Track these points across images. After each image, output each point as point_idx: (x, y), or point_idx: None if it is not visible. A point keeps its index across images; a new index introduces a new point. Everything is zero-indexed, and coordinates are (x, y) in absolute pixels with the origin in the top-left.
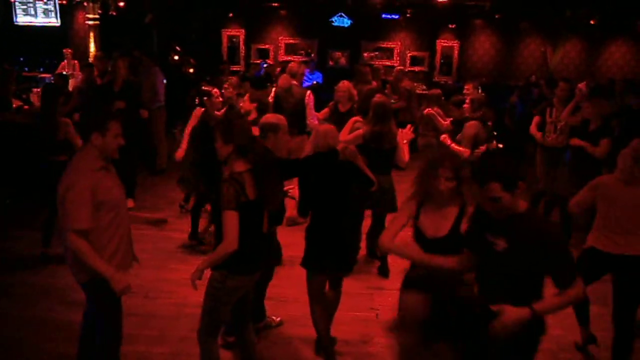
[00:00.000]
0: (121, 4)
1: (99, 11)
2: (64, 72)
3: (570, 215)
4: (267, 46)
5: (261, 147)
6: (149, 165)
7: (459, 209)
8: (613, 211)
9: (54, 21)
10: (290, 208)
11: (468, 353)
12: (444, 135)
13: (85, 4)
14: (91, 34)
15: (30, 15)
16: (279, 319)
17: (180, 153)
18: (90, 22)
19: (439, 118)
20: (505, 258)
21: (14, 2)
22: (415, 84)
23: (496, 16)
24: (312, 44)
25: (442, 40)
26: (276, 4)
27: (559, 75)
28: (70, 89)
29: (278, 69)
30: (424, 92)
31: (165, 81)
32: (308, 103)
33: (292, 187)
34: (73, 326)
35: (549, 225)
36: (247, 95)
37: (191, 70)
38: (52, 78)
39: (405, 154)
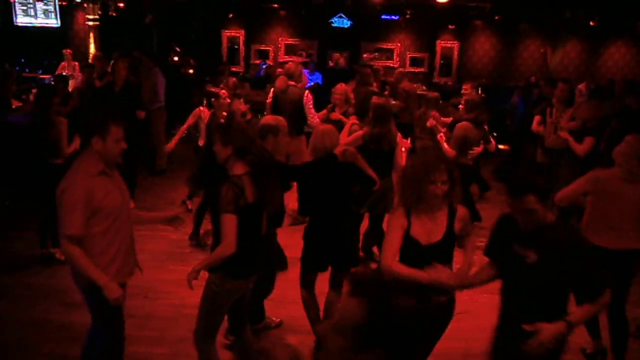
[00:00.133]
0: (121, 4)
1: (99, 12)
2: (64, 73)
3: (569, 217)
4: (266, 47)
5: (260, 149)
6: (148, 165)
7: (447, 210)
8: (610, 207)
9: (53, 22)
10: (293, 200)
11: None
12: (440, 135)
13: (85, 4)
14: (91, 35)
15: (30, 15)
16: (278, 319)
17: (170, 145)
18: (90, 23)
19: (439, 127)
20: (535, 270)
21: (14, 2)
22: (415, 85)
23: (496, 17)
24: (312, 45)
25: (442, 41)
26: (276, 5)
27: (558, 76)
28: (70, 89)
29: (279, 70)
30: (423, 92)
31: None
32: (306, 103)
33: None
34: (73, 327)
35: (578, 235)
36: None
37: (191, 71)
38: (52, 79)
39: (402, 159)
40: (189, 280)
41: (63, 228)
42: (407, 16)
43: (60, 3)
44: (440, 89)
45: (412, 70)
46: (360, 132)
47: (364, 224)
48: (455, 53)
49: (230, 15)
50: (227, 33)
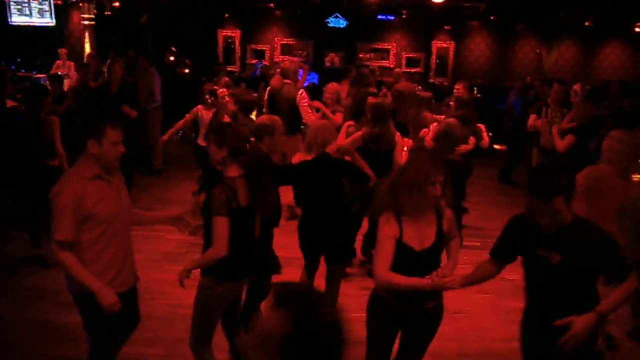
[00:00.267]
0: (116, 4)
1: (94, 11)
2: (59, 72)
3: None
4: (262, 47)
5: (256, 150)
6: (144, 165)
7: (435, 212)
8: (603, 202)
9: (49, 21)
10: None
11: None
12: (424, 130)
13: (80, 4)
14: (86, 34)
15: (25, 15)
16: None
17: (164, 137)
18: (86, 22)
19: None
20: (561, 271)
21: (9, 1)
22: (414, 85)
23: (491, 18)
24: (308, 45)
25: (438, 42)
26: (272, 5)
27: (554, 77)
28: (65, 89)
29: (278, 70)
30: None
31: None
32: (300, 102)
33: None
34: (68, 328)
35: (598, 228)
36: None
37: (187, 71)
38: (46, 78)
39: (403, 158)
40: (181, 279)
41: (54, 233)
42: (403, 16)
43: (55, 2)
44: (436, 89)
45: (408, 70)
46: (359, 133)
47: (364, 227)
48: (451, 53)
49: (226, 15)
50: (223, 33)
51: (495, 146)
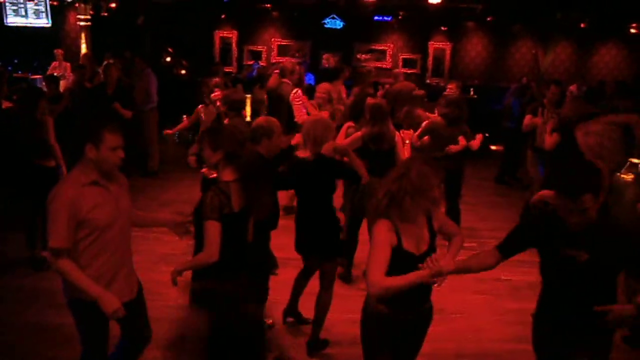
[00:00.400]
0: (113, 5)
1: (91, 12)
2: (55, 73)
3: None
4: (259, 48)
5: (253, 153)
6: (141, 167)
7: (424, 212)
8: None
9: (44, 22)
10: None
11: None
12: (407, 132)
13: (76, 4)
14: (82, 35)
15: (21, 15)
16: (270, 321)
17: (169, 130)
18: (82, 23)
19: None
20: (588, 269)
21: (4, 2)
22: (413, 85)
23: (488, 19)
24: (305, 46)
25: (434, 43)
26: (269, 6)
27: (550, 78)
28: (61, 90)
29: (276, 70)
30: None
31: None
32: (293, 100)
33: None
34: (63, 329)
35: (623, 224)
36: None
37: (183, 72)
38: (42, 79)
39: (406, 155)
40: (173, 278)
41: (48, 240)
42: (400, 17)
43: (51, 3)
44: (432, 90)
45: (405, 71)
46: (358, 134)
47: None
48: (448, 54)
49: (223, 16)
50: (219, 34)
51: (492, 147)
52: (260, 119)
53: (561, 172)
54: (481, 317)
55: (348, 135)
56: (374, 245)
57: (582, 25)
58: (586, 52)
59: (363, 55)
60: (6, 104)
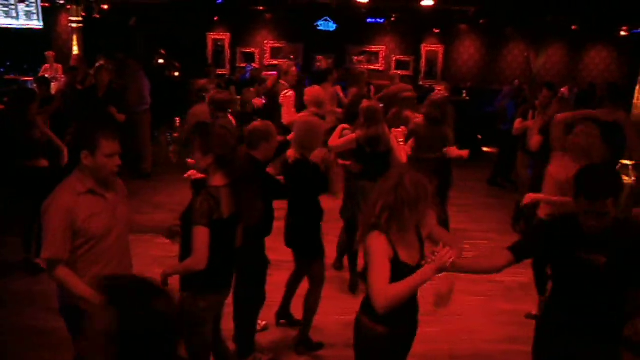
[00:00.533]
0: (105, 6)
1: (83, 14)
2: (47, 75)
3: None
4: (252, 50)
5: (244, 158)
6: (133, 169)
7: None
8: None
9: (36, 23)
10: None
11: None
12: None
13: (68, 6)
14: (74, 37)
15: (12, 17)
16: (264, 322)
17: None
18: (74, 25)
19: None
20: (606, 273)
21: None
22: (409, 87)
23: (480, 21)
24: (298, 48)
25: (427, 45)
26: (261, 8)
27: (542, 80)
28: (52, 92)
29: (265, 73)
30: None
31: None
32: (283, 101)
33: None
34: (57, 333)
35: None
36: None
37: (176, 74)
38: (33, 81)
39: (402, 155)
40: (162, 280)
41: (43, 250)
42: (393, 19)
43: (43, 5)
44: (424, 92)
45: (397, 73)
46: (353, 136)
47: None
48: (440, 56)
49: (216, 18)
50: (212, 35)
51: (485, 149)
52: (256, 123)
53: (584, 176)
54: (475, 318)
55: (342, 137)
56: (372, 259)
57: (573, 27)
58: (577, 55)
59: (357, 57)
60: None
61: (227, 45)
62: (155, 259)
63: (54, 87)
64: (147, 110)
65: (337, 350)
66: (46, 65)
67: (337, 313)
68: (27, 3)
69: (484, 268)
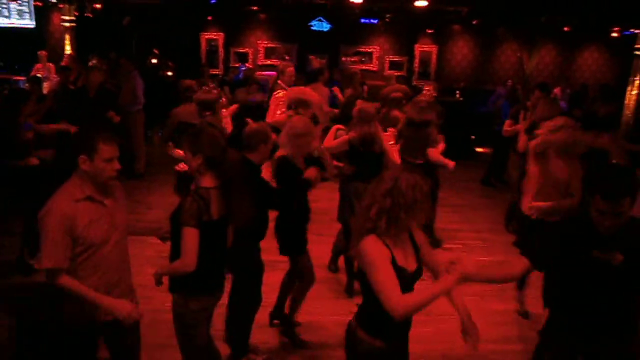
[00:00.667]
0: (98, 5)
1: (75, 13)
2: (39, 75)
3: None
4: (246, 50)
5: (236, 160)
6: (126, 169)
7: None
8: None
9: (28, 22)
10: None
11: None
12: (388, 132)
13: (60, 5)
14: (67, 36)
15: (4, 16)
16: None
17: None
18: (66, 24)
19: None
20: (622, 272)
21: None
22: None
23: (473, 22)
24: (292, 48)
25: (421, 45)
26: (255, 8)
27: (534, 81)
28: (45, 91)
29: (258, 73)
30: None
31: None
32: (271, 103)
33: None
34: None
35: None
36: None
37: (170, 74)
38: (26, 80)
39: (395, 156)
40: (156, 280)
41: (42, 260)
42: (386, 20)
43: (35, 3)
44: (417, 92)
45: (391, 73)
46: (346, 137)
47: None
48: (434, 57)
49: (209, 18)
50: (205, 35)
51: (478, 149)
52: (253, 126)
53: (599, 176)
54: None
55: (337, 137)
56: (375, 267)
57: (565, 28)
58: (570, 55)
59: (350, 58)
60: None
61: (220, 45)
62: (147, 259)
63: (46, 86)
64: (141, 110)
65: (332, 350)
66: (38, 64)
67: (331, 313)
68: (19, 2)
69: (501, 277)
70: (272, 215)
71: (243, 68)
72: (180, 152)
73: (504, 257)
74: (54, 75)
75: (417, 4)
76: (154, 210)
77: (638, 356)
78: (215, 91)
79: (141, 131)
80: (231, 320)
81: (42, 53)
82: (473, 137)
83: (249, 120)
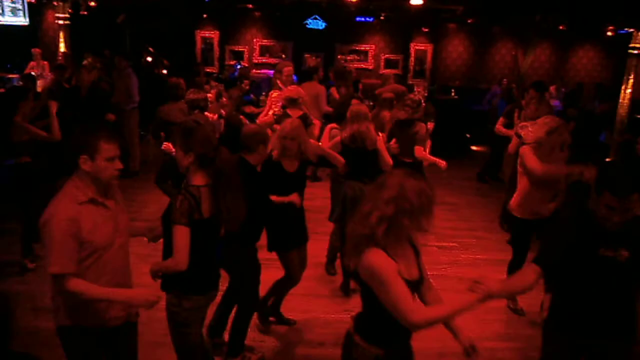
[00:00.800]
0: (92, 3)
1: (70, 10)
2: (33, 73)
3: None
4: (241, 48)
5: (229, 159)
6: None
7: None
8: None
9: (22, 20)
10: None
11: None
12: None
13: (55, 2)
14: (61, 34)
15: None
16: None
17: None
18: (61, 22)
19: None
20: (629, 267)
21: None
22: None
23: (468, 20)
24: (287, 46)
25: (416, 44)
26: (251, 6)
27: (529, 80)
28: (39, 89)
29: (253, 71)
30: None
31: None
32: (267, 103)
33: None
34: (42, 333)
35: None
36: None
37: (164, 72)
38: (19, 78)
39: (388, 156)
40: (152, 277)
41: (50, 266)
42: (382, 18)
43: (29, 1)
44: (410, 91)
45: (387, 72)
46: (338, 139)
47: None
48: (429, 55)
49: (205, 16)
50: (201, 33)
51: (473, 147)
52: (251, 127)
53: (608, 173)
54: (464, 317)
55: (332, 137)
56: (387, 284)
57: (560, 27)
58: (564, 54)
59: (346, 56)
60: None
61: (216, 43)
62: (142, 257)
63: (39, 84)
64: (135, 108)
65: (327, 348)
66: (32, 62)
67: (325, 311)
68: None
69: (521, 289)
70: None
71: (239, 66)
72: (169, 145)
73: (498, 255)
74: (48, 73)
75: (412, 2)
76: (149, 209)
77: None
78: (214, 90)
79: (135, 129)
80: (221, 315)
81: (36, 51)
82: (468, 135)
83: (244, 120)
